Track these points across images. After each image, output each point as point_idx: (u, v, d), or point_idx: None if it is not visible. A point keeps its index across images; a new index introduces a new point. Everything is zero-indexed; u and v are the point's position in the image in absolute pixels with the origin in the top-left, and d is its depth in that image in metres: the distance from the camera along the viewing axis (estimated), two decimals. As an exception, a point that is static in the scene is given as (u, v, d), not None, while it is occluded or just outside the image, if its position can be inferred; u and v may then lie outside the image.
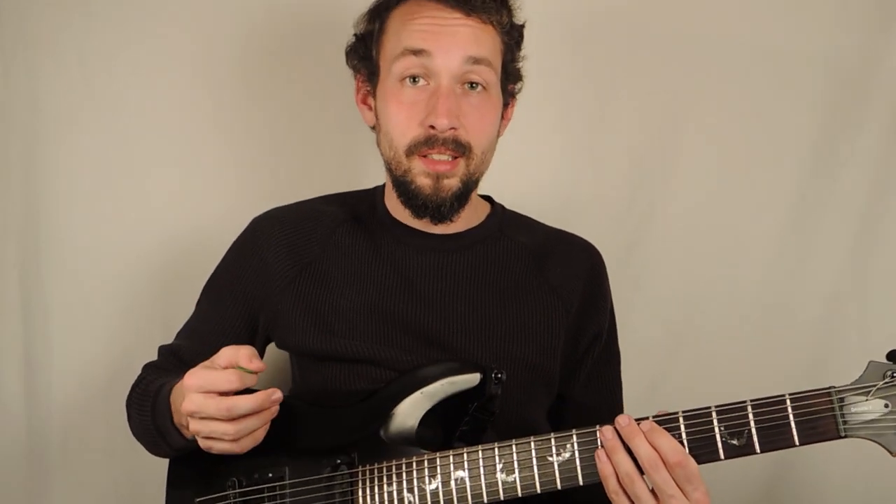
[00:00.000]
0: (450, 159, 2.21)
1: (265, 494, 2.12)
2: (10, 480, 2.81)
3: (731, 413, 1.82)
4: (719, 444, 1.81)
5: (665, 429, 1.84)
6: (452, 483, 1.96)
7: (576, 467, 1.89)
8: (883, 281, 2.92)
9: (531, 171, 2.92)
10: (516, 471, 1.93)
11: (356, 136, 2.75)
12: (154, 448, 2.30)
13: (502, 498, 1.93)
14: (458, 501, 1.96)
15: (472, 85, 2.22)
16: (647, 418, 1.87)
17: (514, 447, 1.94)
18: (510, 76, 2.36)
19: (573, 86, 2.95)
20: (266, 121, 2.91)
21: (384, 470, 2.03)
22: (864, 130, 2.90)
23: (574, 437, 1.91)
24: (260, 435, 2.03)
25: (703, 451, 1.82)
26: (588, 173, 2.98)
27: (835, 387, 1.77)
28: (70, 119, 2.81)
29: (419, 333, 2.27)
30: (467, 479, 1.95)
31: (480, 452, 1.96)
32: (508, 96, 2.38)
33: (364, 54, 2.34)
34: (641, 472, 1.84)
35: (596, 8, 2.93)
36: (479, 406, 2.06)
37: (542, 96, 2.62)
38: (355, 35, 2.38)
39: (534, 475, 1.91)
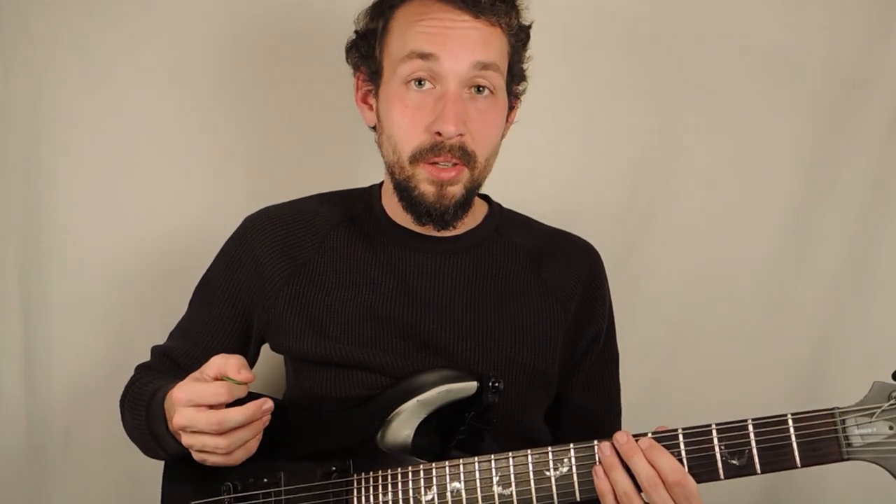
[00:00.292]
0: (453, 166, 2.13)
1: (260, 500, 2.08)
2: (10, 480, 2.79)
3: (732, 432, 1.77)
4: (719, 464, 1.76)
5: (664, 446, 1.80)
6: (448, 495, 1.92)
7: (573, 483, 1.85)
8: (883, 281, 2.89)
9: (531, 171, 2.86)
10: (513, 484, 1.88)
11: (353, 135, 2.71)
12: (149, 452, 2.26)
13: None
14: None
15: (479, 89, 2.14)
16: (646, 434, 1.82)
17: (510, 460, 1.90)
18: (515, 77, 2.28)
19: (573, 86, 2.91)
20: (264, 120, 2.87)
21: (380, 479, 1.99)
22: (864, 130, 2.87)
23: (572, 451, 1.86)
24: (253, 446, 1.99)
25: (702, 470, 1.77)
26: (588, 173, 2.94)
27: (839, 408, 1.72)
28: (70, 119, 2.78)
29: (415, 337, 2.21)
30: (463, 492, 1.91)
31: (477, 464, 1.92)
32: (513, 98, 2.30)
33: (366, 52, 2.25)
34: (639, 489, 1.79)
35: (596, 8, 2.89)
36: (476, 415, 2.02)
37: (543, 96, 2.53)
38: (356, 32, 2.29)
39: (531, 489, 1.87)
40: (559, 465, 1.85)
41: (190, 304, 2.45)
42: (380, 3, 2.22)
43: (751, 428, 1.74)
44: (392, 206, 2.29)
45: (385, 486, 1.97)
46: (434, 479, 1.94)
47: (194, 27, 2.80)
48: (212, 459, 1.96)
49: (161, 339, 2.49)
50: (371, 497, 1.98)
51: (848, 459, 1.69)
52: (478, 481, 1.90)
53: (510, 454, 1.90)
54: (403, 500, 1.95)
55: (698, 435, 1.78)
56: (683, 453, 1.78)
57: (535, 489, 1.86)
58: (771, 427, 1.73)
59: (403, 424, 2.03)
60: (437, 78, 2.09)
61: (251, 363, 2.43)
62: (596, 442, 1.84)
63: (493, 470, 1.90)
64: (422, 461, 1.98)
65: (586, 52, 2.89)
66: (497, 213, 2.40)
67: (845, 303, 2.89)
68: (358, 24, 2.28)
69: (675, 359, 2.93)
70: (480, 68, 2.10)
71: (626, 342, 2.55)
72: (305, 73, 2.84)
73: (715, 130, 2.91)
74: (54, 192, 2.78)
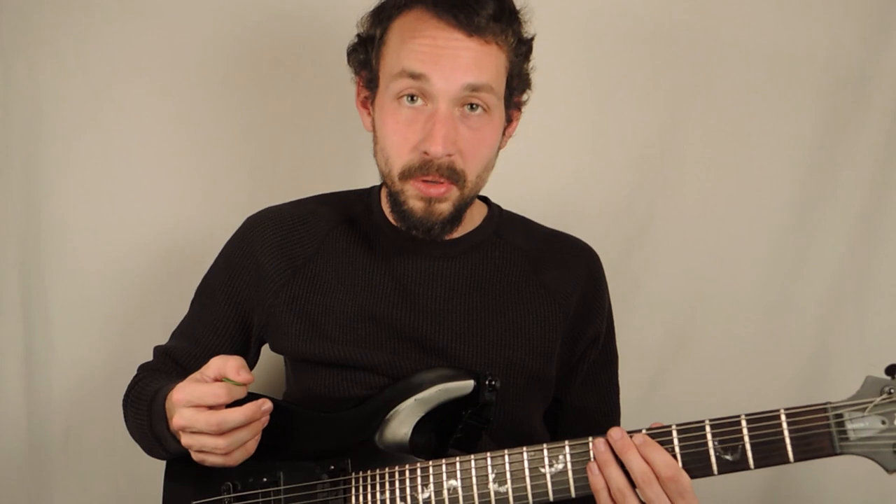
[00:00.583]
0: (443, 183, 2.13)
1: (260, 499, 2.09)
2: (11, 480, 2.80)
3: (725, 427, 1.77)
4: (713, 459, 1.76)
5: (658, 442, 1.80)
6: (445, 493, 1.93)
7: (568, 479, 1.86)
8: (883, 281, 2.90)
9: (531, 172, 2.88)
10: (509, 481, 1.89)
11: (353, 136, 2.72)
12: (151, 451, 2.27)
13: None
14: None
15: (472, 106, 2.12)
16: (640, 431, 1.83)
17: (506, 457, 1.91)
18: (516, 89, 2.26)
19: (573, 86, 2.91)
20: (264, 121, 2.88)
21: (377, 477, 2.00)
22: (864, 130, 2.88)
23: (566, 448, 1.87)
24: (251, 447, 2.00)
25: (696, 465, 1.78)
26: (588, 173, 2.95)
27: (831, 402, 1.72)
28: (70, 119, 2.79)
29: (414, 339, 2.22)
30: (460, 489, 1.92)
31: (473, 462, 1.93)
32: (513, 109, 2.29)
33: (364, 59, 2.26)
34: (634, 486, 1.80)
35: (596, 9, 2.90)
36: (472, 413, 2.03)
37: (542, 97, 2.50)
38: (358, 35, 2.29)
39: (526, 486, 1.88)
40: (554, 462, 1.86)
41: (191, 304, 2.46)
42: (379, 12, 2.21)
43: (744, 423, 1.74)
44: (389, 208, 2.29)
45: (382, 485, 1.99)
46: (431, 476, 1.95)
47: (194, 27, 2.81)
48: (210, 460, 1.97)
49: (161, 339, 2.50)
50: (369, 495, 1.99)
51: (840, 454, 1.70)
52: (474, 479, 1.91)
53: (506, 451, 1.90)
54: (401, 498, 1.96)
55: (692, 431, 1.78)
56: (677, 449, 1.78)
57: (531, 486, 1.87)
58: (764, 422, 1.74)
59: (401, 423, 2.04)
60: (428, 96, 2.09)
61: (252, 363, 2.45)
62: (591, 439, 1.85)
63: (490, 467, 1.90)
64: (419, 460, 1.99)
65: (586, 52, 2.90)
66: (496, 215, 2.41)
67: (845, 303, 2.90)
68: (360, 28, 2.27)
69: (675, 359, 2.94)
70: (471, 90, 2.08)
71: (626, 342, 2.55)
72: (306, 74, 2.85)
73: (715, 130, 2.92)
74: (54, 192, 2.79)
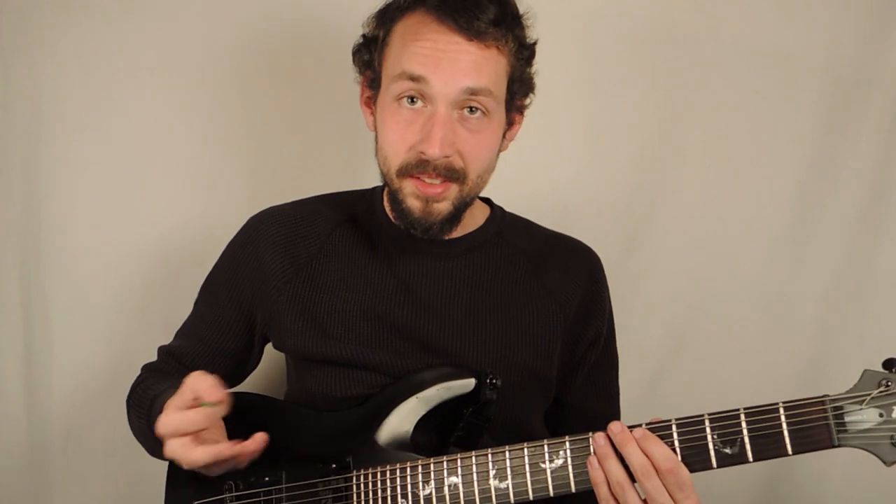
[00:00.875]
0: (440, 182, 2.15)
1: (261, 498, 2.12)
2: (11, 480, 2.81)
3: (724, 421, 1.79)
4: (712, 453, 1.78)
5: (658, 436, 1.82)
6: (446, 489, 1.95)
7: (568, 474, 1.87)
8: (883, 281, 2.91)
9: (531, 172, 2.88)
10: (509, 477, 1.91)
11: (355, 137, 2.73)
12: (153, 452, 2.28)
13: None
14: None
15: (472, 109, 2.14)
16: (640, 425, 1.85)
17: (507, 454, 1.93)
18: (518, 92, 2.28)
19: (573, 86, 2.93)
20: (265, 121, 2.89)
21: (378, 475, 2.02)
22: (864, 130, 2.89)
23: (567, 443, 1.89)
24: (241, 463, 2.04)
25: (695, 458, 1.79)
26: (588, 174, 2.97)
27: (829, 395, 1.74)
28: (70, 119, 2.80)
29: (415, 338, 2.24)
30: (460, 486, 1.94)
31: (474, 459, 1.95)
32: (515, 112, 2.31)
33: (368, 60, 2.28)
34: (633, 480, 1.82)
35: (596, 9, 2.91)
36: (473, 411, 2.05)
37: (543, 97, 2.50)
38: (363, 35, 2.31)
39: (526, 482, 1.90)
40: (555, 457, 1.88)
41: (195, 303, 2.48)
42: (383, 13, 2.24)
43: (742, 417, 1.76)
44: (391, 208, 2.32)
45: (384, 482, 2.00)
46: (432, 473, 1.97)
47: (194, 27, 2.83)
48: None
49: (161, 339, 2.51)
50: (370, 492, 2.01)
51: (839, 446, 1.71)
52: (475, 475, 1.93)
53: (506, 448, 1.92)
54: (402, 495, 1.98)
55: (691, 425, 1.80)
56: (676, 443, 1.80)
57: (531, 481, 1.88)
58: (762, 416, 1.75)
59: (402, 422, 2.06)
60: (428, 98, 2.11)
61: (255, 361, 2.48)
62: (591, 433, 1.86)
63: (490, 464, 1.92)
64: (420, 457, 2.00)
65: (586, 51, 2.92)
66: (498, 216, 2.43)
67: (845, 303, 2.91)
68: (365, 28, 2.30)
69: (675, 359, 2.96)
70: (470, 93, 2.10)
71: (626, 342, 2.57)
72: (306, 74, 2.87)
73: (715, 130, 2.93)
74: (54, 192, 2.80)
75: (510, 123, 2.30)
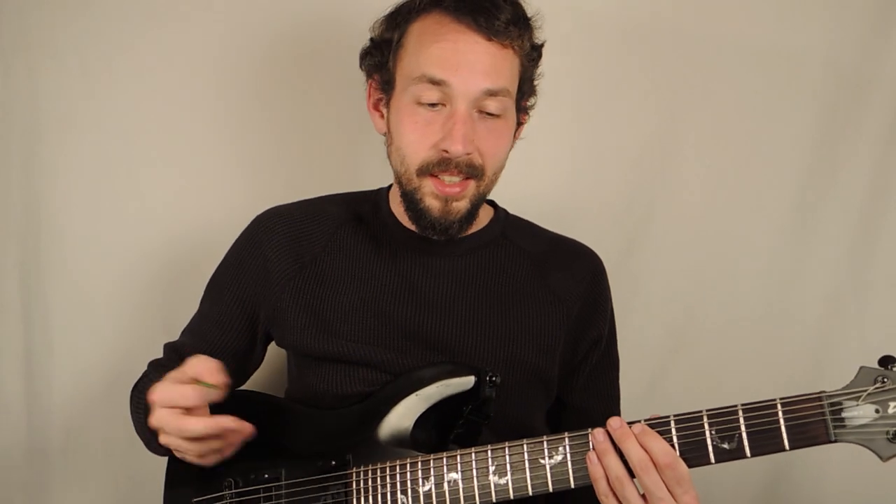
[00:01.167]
0: (460, 181, 2.20)
1: (261, 495, 2.13)
2: (10, 480, 2.83)
3: (722, 417, 1.81)
4: (710, 448, 1.80)
5: (656, 432, 1.84)
6: (445, 485, 1.97)
7: (567, 470, 1.89)
8: (883, 281, 2.92)
9: (531, 172, 2.88)
10: (508, 473, 1.93)
11: (357, 138, 2.80)
12: (149, 446, 2.32)
13: (494, 500, 1.93)
14: (450, 503, 1.96)
15: (489, 113, 2.20)
16: (638, 422, 1.86)
17: (506, 450, 1.94)
18: (525, 93, 2.34)
19: (573, 85, 2.94)
20: (266, 121, 2.91)
21: (378, 471, 2.04)
22: (864, 130, 2.91)
23: (566, 440, 1.91)
24: (226, 452, 2.07)
25: (693, 454, 1.81)
26: (588, 173, 2.99)
27: (826, 392, 1.76)
28: (70, 119, 2.82)
29: (418, 335, 2.27)
30: (460, 482, 1.96)
31: (473, 455, 1.96)
32: (521, 112, 2.37)
33: (380, 62, 2.31)
34: (632, 475, 1.84)
35: (596, 8, 2.93)
36: (473, 409, 2.07)
37: (542, 97, 2.54)
38: (372, 39, 2.35)
39: (526, 478, 1.91)
40: (554, 453, 1.90)
41: (201, 302, 2.51)
42: (396, 15, 2.27)
43: (740, 413, 1.79)
44: (399, 209, 2.35)
45: (384, 478, 2.02)
46: (432, 469, 1.99)
47: (194, 27, 2.84)
48: (187, 458, 2.07)
49: (161, 338, 2.54)
50: (370, 489, 2.03)
51: (835, 441, 1.73)
52: (474, 471, 1.95)
53: (506, 444, 1.94)
54: (402, 491, 2.00)
55: (690, 421, 1.82)
56: (675, 439, 1.82)
57: (531, 477, 1.90)
58: (760, 411, 1.78)
59: (402, 419, 2.08)
60: (448, 99, 2.15)
61: (258, 361, 2.51)
62: (590, 430, 1.88)
63: (490, 460, 1.94)
64: (420, 454, 2.02)
65: (586, 51, 2.93)
66: (503, 217, 2.47)
67: (845, 303, 2.93)
68: (374, 32, 2.33)
69: (675, 358, 2.97)
70: (490, 94, 2.15)
71: (626, 342, 2.59)
72: (307, 75, 2.89)
73: (715, 130, 2.95)
74: (54, 192, 2.81)
75: (518, 123, 2.34)
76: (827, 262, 2.94)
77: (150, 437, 2.22)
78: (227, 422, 2.01)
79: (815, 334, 2.94)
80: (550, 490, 1.91)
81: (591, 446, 1.88)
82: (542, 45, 2.33)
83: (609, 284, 2.50)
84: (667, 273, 2.97)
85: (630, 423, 1.86)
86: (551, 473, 1.90)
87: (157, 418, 2.00)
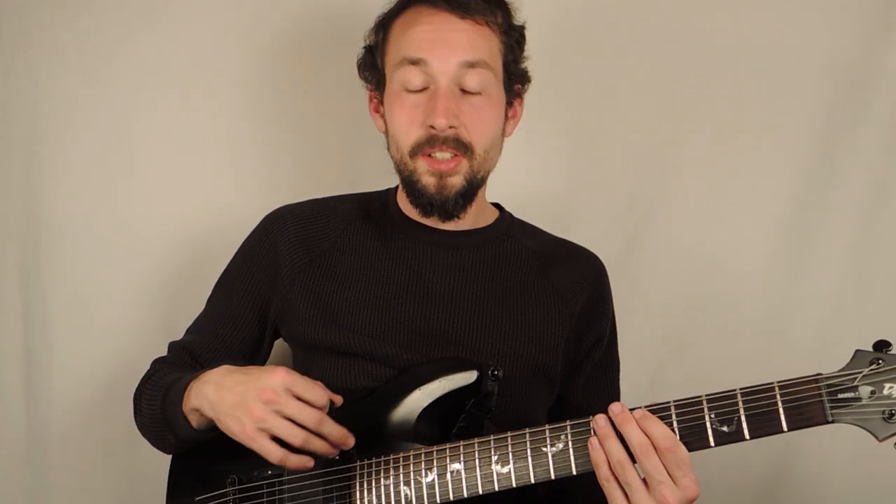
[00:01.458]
0: (451, 157, 2.30)
1: (264, 490, 2.18)
2: (10, 480, 2.85)
3: (722, 401, 1.86)
4: (709, 431, 1.85)
5: (657, 417, 1.89)
6: (448, 475, 2.01)
7: (569, 457, 1.94)
8: (883, 281, 2.95)
9: (531, 172, 2.97)
10: (511, 461, 1.97)
11: (358, 139, 2.87)
12: (159, 441, 2.37)
13: (497, 489, 1.98)
14: (453, 493, 2.01)
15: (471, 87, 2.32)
16: (640, 408, 1.92)
17: (509, 439, 1.99)
18: (514, 77, 2.45)
19: (573, 86, 3.00)
20: (267, 122, 2.96)
21: (381, 464, 2.09)
22: (864, 130, 2.93)
23: (568, 427, 1.96)
24: (303, 463, 2.06)
25: (693, 438, 1.86)
26: (588, 173, 3.03)
27: (822, 374, 1.82)
28: (70, 119, 2.86)
29: (424, 329, 2.35)
30: (463, 471, 2.00)
31: (476, 445, 2.01)
32: (514, 96, 2.47)
33: (371, 64, 2.46)
34: (633, 460, 1.88)
35: (596, 8, 2.98)
36: (475, 402, 2.12)
37: (542, 96, 2.65)
38: (364, 48, 2.49)
39: (528, 465, 1.96)
40: (556, 441, 1.94)
41: (208, 300, 2.57)
42: (380, 20, 2.43)
43: (739, 397, 1.84)
44: (405, 202, 2.46)
45: (387, 470, 2.07)
46: (434, 460, 2.03)
47: (194, 27, 2.90)
48: (264, 443, 2.04)
49: (162, 338, 2.59)
50: (373, 481, 2.08)
51: (832, 422, 1.79)
52: (477, 461, 1.99)
53: (509, 434, 1.99)
54: (405, 482, 2.05)
55: (689, 406, 1.88)
56: (675, 423, 1.87)
57: (533, 465, 1.95)
58: (758, 394, 1.83)
59: (406, 413, 2.13)
60: (430, 80, 2.29)
61: (265, 357, 2.56)
62: (591, 417, 1.93)
63: (493, 449, 1.99)
64: (423, 447, 2.07)
65: (586, 52, 2.99)
66: (508, 218, 2.56)
67: (845, 303, 2.95)
68: (366, 41, 2.48)
69: (675, 358, 3.00)
70: (468, 67, 2.29)
71: (627, 342, 2.64)
72: (311, 76, 2.95)
73: (715, 130, 2.98)
74: (54, 192, 2.85)
75: (509, 103, 2.45)
76: (827, 261, 2.95)
77: (163, 430, 2.29)
78: (350, 437, 2.07)
79: (815, 334, 2.95)
80: (552, 477, 1.95)
81: (592, 432, 1.92)
82: (522, 27, 2.45)
83: (611, 289, 2.57)
84: (667, 273, 3.00)
85: (631, 410, 1.91)
86: (553, 461, 1.94)
87: (282, 401, 2.01)
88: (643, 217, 3.03)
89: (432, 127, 2.28)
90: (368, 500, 2.08)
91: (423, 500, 2.04)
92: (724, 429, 1.85)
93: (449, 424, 2.14)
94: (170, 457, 2.42)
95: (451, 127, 2.28)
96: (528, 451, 1.97)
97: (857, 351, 1.84)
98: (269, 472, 2.18)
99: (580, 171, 3.03)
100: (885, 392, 1.77)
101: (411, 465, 2.06)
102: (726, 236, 3.01)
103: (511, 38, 2.42)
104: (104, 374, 2.88)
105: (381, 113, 2.46)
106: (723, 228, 3.01)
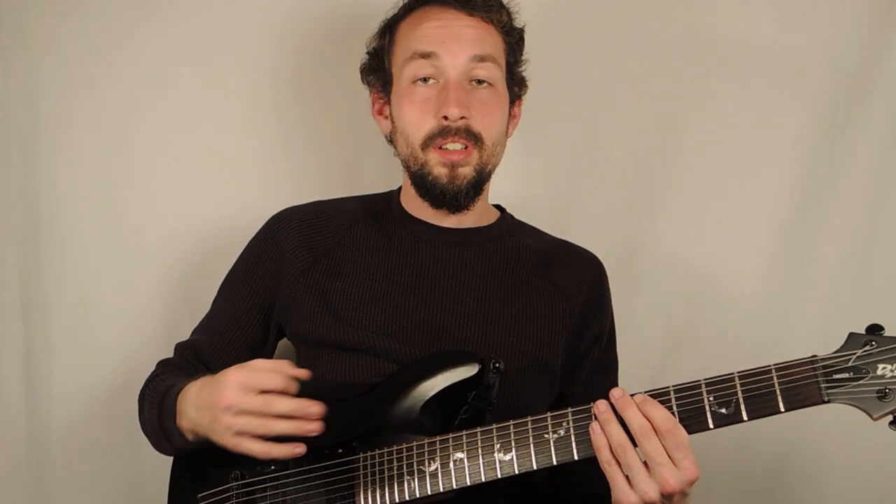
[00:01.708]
0: (462, 148, 2.39)
1: (267, 485, 2.24)
2: (10, 480, 2.89)
3: (720, 385, 1.93)
4: (708, 414, 1.92)
5: (657, 401, 1.96)
6: (451, 464, 2.08)
7: (571, 443, 2.00)
8: (883, 281, 2.98)
9: (531, 172, 3.03)
10: (513, 449, 2.04)
11: (360, 142, 2.95)
12: (159, 446, 2.44)
13: (499, 476, 2.04)
14: (457, 482, 2.07)
15: (480, 81, 2.42)
16: (640, 393, 1.98)
17: (511, 427, 2.05)
18: (515, 80, 2.56)
19: (573, 86, 3.05)
20: (269, 122, 3.01)
21: (384, 455, 2.15)
22: (864, 130, 2.97)
23: (570, 414, 2.02)
24: (289, 451, 2.14)
25: (692, 420, 1.93)
26: (588, 173, 3.08)
27: (817, 356, 1.91)
28: (70, 119, 2.90)
29: (427, 324, 2.42)
30: (466, 460, 2.07)
31: (479, 434, 2.08)
32: (514, 97, 2.57)
33: (377, 66, 2.55)
34: (634, 444, 1.95)
35: (595, 8, 3.04)
36: (477, 395, 2.18)
37: (542, 96, 2.74)
38: (367, 53, 2.59)
39: (530, 452, 2.02)
40: (558, 428, 2.01)
41: (214, 300, 2.63)
42: (386, 23, 2.54)
43: (737, 380, 1.92)
44: (409, 201, 2.54)
45: (390, 462, 2.13)
46: (438, 450, 2.09)
47: (194, 27, 2.94)
48: (246, 444, 2.13)
49: (162, 338, 2.70)
50: (377, 472, 2.14)
51: (828, 402, 1.86)
52: (479, 449, 2.05)
53: (511, 422, 2.05)
54: (408, 472, 2.11)
55: (689, 390, 1.95)
56: (675, 407, 1.93)
57: (535, 452, 2.01)
58: (756, 377, 1.92)
59: (409, 407, 2.20)
60: (440, 73, 2.39)
61: (269, 354, 2.62)
62: (593, 403, 2.00)
63: (495, 438, 2.05)
64: (426, 438, 2.13)
65: (586, 51, 3.04)
66: (509, 219, 2.64)
67: (845, 303, 2.98)
68: (369, 46, 2.57)
69: (675, 358, 3.04)
70: (478, 60, 2.40)
71: (626, 342, 2.71)
72: (313, 72, 3.00)
73: (715, 130, 3.03)
74: (54, 192, 2.89)
75: (511, 102, 2.54)
76: (827, 261, 2.99)
77: (160, 437, 2.36)
78: (313, 404, 2.12)
79: (815, 334, 2.93)
80: (554, 463, 2.01)
81: (594, 419, 1.98)
82: (522, 29, 2.55)
83: (610, 290, 2.64)
84: (667, 272, 3.04)
85: (632, 395, 1.97)
86: (555, 447, 2.01)
87: (234, 397, 2.09)
88: (643, 217, 3.06)
89: (445, 118, 2.37)
90: (372, 492, 2.14)
91: (426, 489, 2.09)
92: (723, 411, 1.91)
93: (451, 417, 2.19)
94: (170, 457, 2.48)
95: (462, 118, 2.37)
96: (531, 438, 2.03)
97: (850, 334, 1.93)
98: (273, 467, 2.23)
99: (580, 171, 3.08)
100: (879, 372, 1.85)
101: (414, 456, 2.12)
102: (726, 236, 3.04)
103: (513, 38, 2.54)
104: (105, 374, 2.92)
105: (386, 114, 2.55)
106: (723, 228, 3.04)
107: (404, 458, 2.13)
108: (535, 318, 2.48)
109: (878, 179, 2.99)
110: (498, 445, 2.06)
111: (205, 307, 2.65)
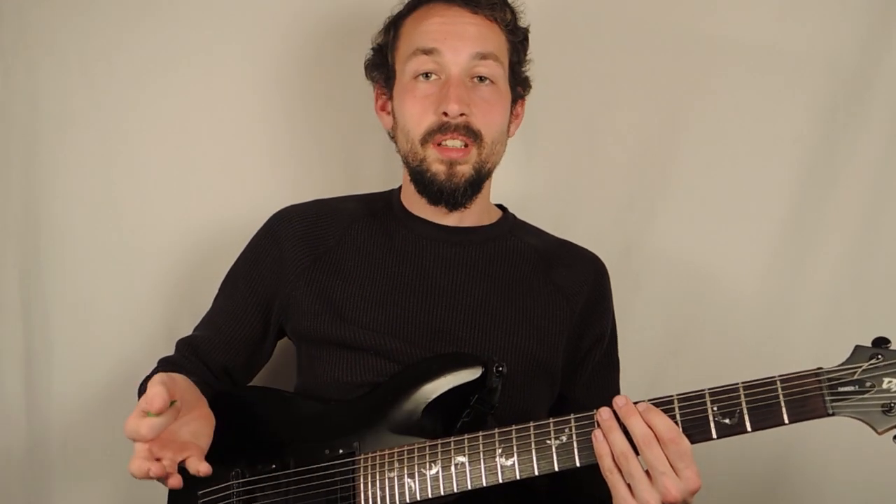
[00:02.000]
0: (462, 146, 2.39)
1: (268, 484, 2.23)
2: (10, 480, 2.89)
3: (724, 395, 1.92)
4: (712, 424, 1.91)
5: (661, 410, 1.95)
6: (453, 468, 2.07)
7: (573, 449, 2.00)
8: (883, 281, 2.98)
9: (531, 172, 3.03)
10: (515, 454, 2.03)
11: (360, 140, 2.95)
12: None
13: (501, 481, 2.03)
14: (457, 486, 2.07)
15: (481, 78, 2.42)
16: (643, 401, 1.98)
17: (513, 432, 2.05)
18: (518, 79, 2.55)
19: (573, 86, 3.05)
20: (269, 122, 3.01)
21: (385, 457, 2.15)
22: (865, 130, 2.97)
23: (572, 420, 2.01)
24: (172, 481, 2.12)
25: (696, 430, 1.92)
26: (588, 173, 3.08)
27: (823, 368, 1.90)
28: (70, 119, 2.90)
29: (427, 323, 2.41)
30: (467, 464, 2.06)
31: (481, 438, 2.07)
32: (517, 97, 2.57)
33: (380, 62, 2.55)
34: (636, 452, 1.94)
35: (596, 7, 3.04)
36: (479, 398, 2.18)
37: (543, 96, 2.72)
38: (372, 49, 2.59)
39: (532, 458, 2.02)
40: (560, 434, 2.01)
41: (215, 298, 2.63)
42: (389, 22, 2.54)
43: (741, 390, 1.90)
44: (409, 199, 2.54)
45: (391, 463, 2.13)
46: (439, 453, 2.09)
47: (195, 26, 2.94)
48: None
49: (162, 338, 2.71)
50: (377, 474, 2.13)
51: (833, 415, 1.85)
52: (481, 453, 2.05)
53: (513, 427, 2.05)
54: (409, 474, 2.10)
55: (692, 399, 1.94)
56: (678, 416, 1.93)
57: (537, 458, 2.01)
58: (760, 388, 1.89)
59: (411, 408, 2.19)
60: (441, 69, 2.39)
61: (267, 354, 2.62)
62: (595, 410, 1.99)
63: (497, 442, 2.05)
64: (427, 440, 2.13)
65: (586, 51, 3.04)
66: (511, 218, 2.64)
67: (845, 303, 2.98)
68: (374, 43, 2.57)
69: (675, 358, 3.04)
70: (480, 58, 2.40)
71: (626, 342, 2.69)
72: (314, 71, 3.00)
73: (715, 130, 3.02)
74: (54, 192, 2.89)
75: (513, 104, 2.54)
76: (827, 261, 2.98)
77: None
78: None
79: (815, 334, 2.98)
80: (556, 469, 2.00)
81: (596, 426, 1.98)
82: (526, 29, 2.55)
83: (611, 290, 2.63)
84: (667, 272, 3.04)
85: (635, 403, 1.97)
86: (557, 453, 2.00)
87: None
88: (643, 217, 3.06)
89: (445, 114, 2.37)
90: (373, 493, 2.13)
91: (427, 492, 2.09)
92: (727, 421, 1.90)
93: (453, 419, 2.19)
94: (171, 457, 2.47)
95: (462, 114, 2.37)
96: (533, 443, 2.03)
97: (856, 346, 1.91)
98: (274, 466, 2.24)
99: (580, 171, 3.08)
100: (885, 386, 1.84)
101: (416, 458, 2.12)
102: (726, 236, 3.04)
103: (517, 38, 2.53)
104: (104, 374, 2.92)
105: (388, 110, 2.55)
106: (723, 228, 3.04)
107: (405, 459, 2.13)
108: (535, 318, 2.48)
109: (878, 179, 2.98)
110: (500, 450, 2.05)
111: (205, 307, 2.65)
